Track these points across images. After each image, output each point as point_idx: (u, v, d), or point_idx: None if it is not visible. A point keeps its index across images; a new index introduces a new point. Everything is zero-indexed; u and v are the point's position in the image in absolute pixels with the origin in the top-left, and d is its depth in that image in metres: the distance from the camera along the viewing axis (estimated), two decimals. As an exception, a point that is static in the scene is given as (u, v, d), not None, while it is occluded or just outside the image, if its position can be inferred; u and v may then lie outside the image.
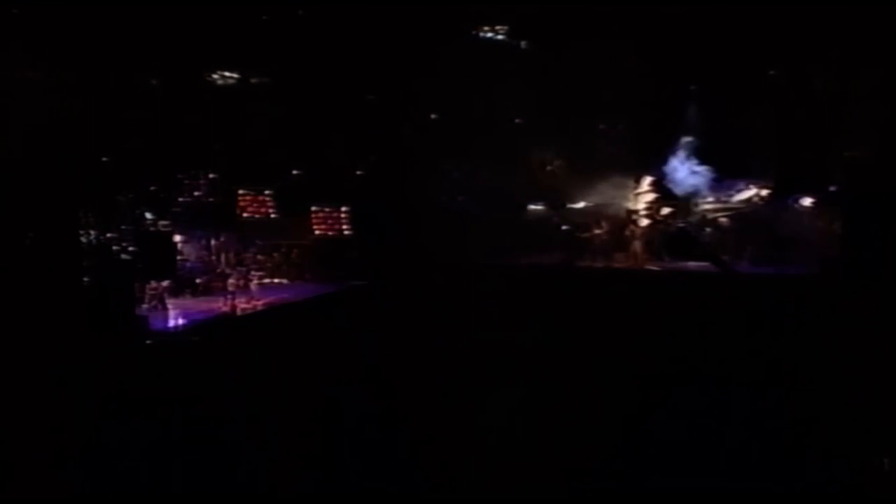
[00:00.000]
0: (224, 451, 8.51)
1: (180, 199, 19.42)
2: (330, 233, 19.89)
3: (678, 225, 18.86)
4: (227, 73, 17.62)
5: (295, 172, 20.26)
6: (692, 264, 18.25)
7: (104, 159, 17.56)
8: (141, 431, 8.99)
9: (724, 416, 9.05)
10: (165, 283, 17.14)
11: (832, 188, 17.44)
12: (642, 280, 17.88)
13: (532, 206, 20.32)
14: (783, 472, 7.53)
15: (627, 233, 19.12)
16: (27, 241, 13.10)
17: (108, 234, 17.34)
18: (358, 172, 19.67)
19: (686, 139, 18.96)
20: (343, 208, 19.66)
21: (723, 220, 19.04)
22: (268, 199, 19.93)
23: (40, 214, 13.42)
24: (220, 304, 17.29)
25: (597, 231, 19.38)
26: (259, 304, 17.45)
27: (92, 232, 16.44)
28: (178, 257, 18.13)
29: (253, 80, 17.75)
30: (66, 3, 14.22)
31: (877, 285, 13.88)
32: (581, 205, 20.00)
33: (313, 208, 19.75)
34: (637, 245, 18.89)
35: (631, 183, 19.62)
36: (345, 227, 19.72)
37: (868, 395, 9.02)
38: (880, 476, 7.24)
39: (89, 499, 7.71)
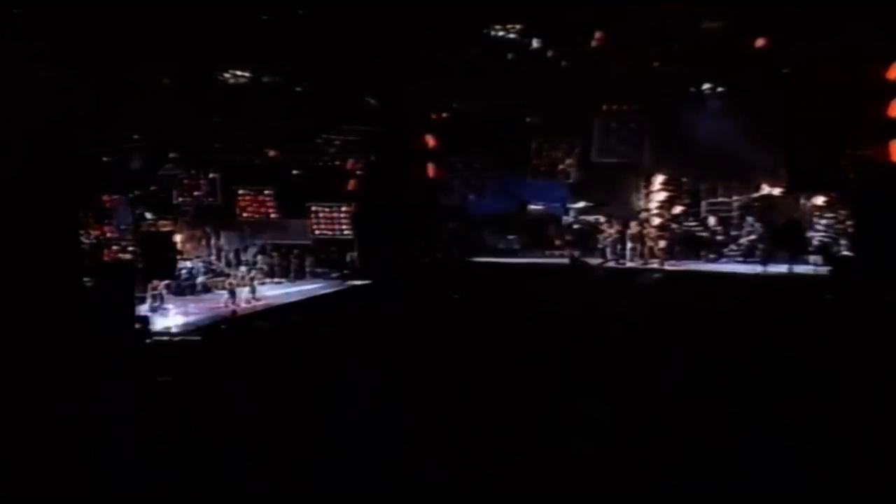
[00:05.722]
0: (224, 450, 8.51)
1: (180, 199, 19.44)
2: (330, 233, 19.91)
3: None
4: (229, 73, 17.61)
5: (295, 172, 20.27)
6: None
7: (104, 159, 17.60)
8: (141, 431, 8.99)
9: (732, 415, 9.04)
10: (165, 283, 17.17)
11: (845, 187, 17.44)
12: (655, 279, 17.91)
13: (542, 205, 20.32)
14: (786, 471, 7.53)
15: (640, 231, 19.15)
16: (27, 241, 13.08)
17: (108, 234, 17.38)
18: (358, 172, 19.65)
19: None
20: (343, 208, 19.68)
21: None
22: (268, 199, 19.94)
23: (40, 214, 13.41)
24: (220, 304, 17.31)
25: (609, 230, 19.40)
26: (259, 304, 17.47)
27: (92, 232, 16.47)
28: (179, 257, 18.16)
29: (257, 80, 17.75)
30: (67, 3, 14.20)
31: (889, 284, 13.89)
32: (592, 203, 20.00)
33: (313, 208, 19.76)
34: (651, 244, 18.95)
35: (642, 182, 19.66)
36: (345, 227, 19.74)
37: (878, 393, 9.01)
38: (880, 476, 7.23)
39: (90, 498, 7.71)
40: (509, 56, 17.74)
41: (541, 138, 19.49)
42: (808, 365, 10.65)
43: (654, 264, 18.72)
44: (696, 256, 18.99)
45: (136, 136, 17.68)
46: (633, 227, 19.33)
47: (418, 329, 13.92)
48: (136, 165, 18.55)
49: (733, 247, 18.97)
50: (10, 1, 13.24)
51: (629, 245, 19.17)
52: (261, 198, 20.06)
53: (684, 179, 19.81)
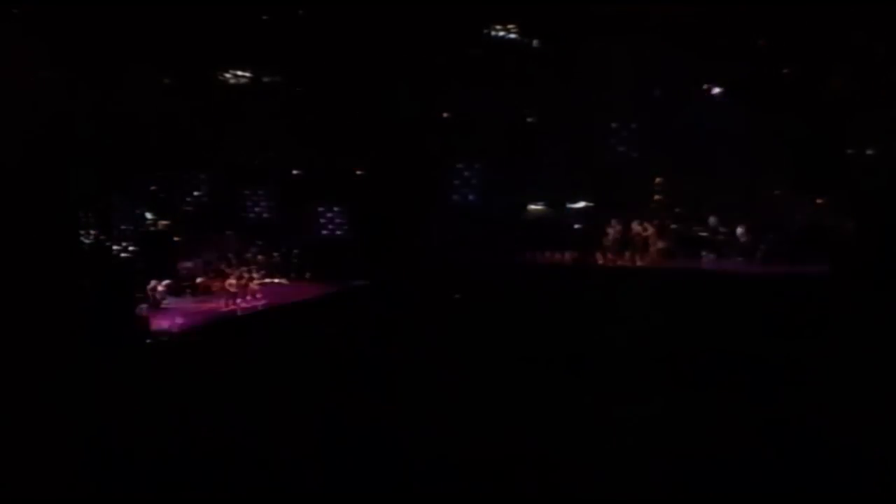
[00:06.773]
0: (224, 451, 8.50)
1: (180, 199, 19.39)
2: (330, 233, 19.87)
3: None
4: (229, 73, 17.60)
5: (295, 172, 20.22)
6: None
7: (104, 159, 17.53)
8: (141, 431, 8.98)
9: (732, 415, 9.03)
10: (165, 283, 17.13)
11: (846, 188, 17.43)
12: (656, 279, 17.91)
13: (542, 205, 20.29)
14: (787, 471, 7.52)
15: (641, 231, 19.14)
16: (27, 241, 13.08)
17: (108, 234, 17.31)
18: (358, 172, 19.61)
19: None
20: (343, 208, 19.64)
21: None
22: (268, 198, 19.90)
23: (40, 215, 13.40)
24: (220, 304, 17.28)
25: (609, 230, 19.42)
26: (259, 304, 17.44)
27: (92, 232, 16.42)
28: (178, 257, 18.12)
29: (257, 80, 17.74)
30: (67, 3, 14.20)
31: (890, 285, 13.88)
32: (591, 203, 19.99)
33: (314, 208, 19.73)
34: (651, 244, 18.97)
35: (642, 182, 19.64)
36: (345, 227, 19.70)
37: (878, 394, 9.01)
38: (880, 476, 7.23)
39: (90, 498, 7.70)
40: (509, 56, 17.73)
41: (541, 137, 19.47)
42: (808, 365, 10.64)
43: (654, 264, 18.71)
44: (697, 256, 18.99)
45: (136, 136, 17.61)
46: (634, 227, 19.33)
47: (419, 329, 13.91)
48: (138, 165, 18.51)
49: (734, 247, 18.95)
50: (10, 1, 13.23)
51: (629, 245, 19.17)
52: (261, 197, 20.03)
53: (685, 179, 19.79)
